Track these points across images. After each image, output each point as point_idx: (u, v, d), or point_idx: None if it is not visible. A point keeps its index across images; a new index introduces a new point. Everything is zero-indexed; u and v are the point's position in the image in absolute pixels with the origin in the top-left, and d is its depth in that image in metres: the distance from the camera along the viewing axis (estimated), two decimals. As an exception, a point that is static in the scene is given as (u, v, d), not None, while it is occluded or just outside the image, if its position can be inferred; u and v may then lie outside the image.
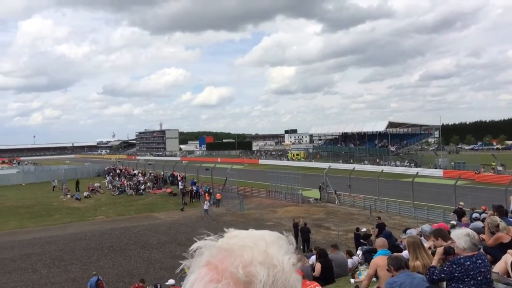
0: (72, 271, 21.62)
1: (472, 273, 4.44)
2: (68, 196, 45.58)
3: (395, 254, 4.82)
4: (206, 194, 38.69)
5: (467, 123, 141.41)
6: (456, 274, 4.51)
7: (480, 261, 4.59)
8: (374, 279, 7.32)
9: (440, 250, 4.97)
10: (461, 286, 4.46)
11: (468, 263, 4.49)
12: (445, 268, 4.67)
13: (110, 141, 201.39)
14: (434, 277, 4.71)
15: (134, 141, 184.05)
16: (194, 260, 0.80)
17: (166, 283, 13.26)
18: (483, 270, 4.53)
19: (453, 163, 57.23)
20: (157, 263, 22.43)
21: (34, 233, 30.65)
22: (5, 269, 21.94)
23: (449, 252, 4.79)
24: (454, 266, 4.54)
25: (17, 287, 19.34)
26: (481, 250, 6.67)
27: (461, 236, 4.65)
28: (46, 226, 33.29)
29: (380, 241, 7.30)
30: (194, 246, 0.83)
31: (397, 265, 4.81)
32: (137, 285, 15.00)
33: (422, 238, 7.91)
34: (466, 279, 4.45)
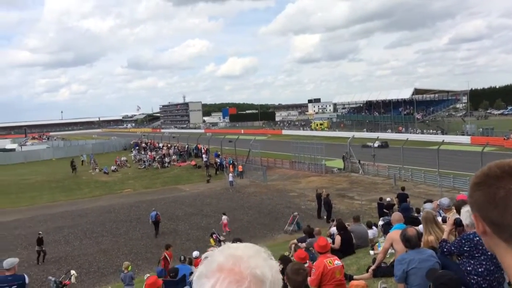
0: (103, 242, 22.46)
1: (481, 247, 4.41)
2: (97, 170, 46.84)
3: (406, 233, 4.81)
4: (230, 166, 39.10)
5: (497, 87, 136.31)
6: (465, 249, 4.50)
7: None
8: (392, 251, 7.39)
9: (450, 221, 4.96)
10: (472, 262, 4.45)
11: (478, 238, 4.45)
12: (455, 243, 4.67)
13: (135, 115, 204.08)
14: (445, 250, 4.73)
15: (158, 114, 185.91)
16: (206, 266, 0.96)
17: (193, 256, 13.58)
18: None
19: (481, 129, 55.76)
20: (183, 234, 23.06)
21: (66, 206, 31.84)
22: (40, 241, 22.92)
23: (459, 224, 4.77)
24: (463, 241, 4.53)
25: (52, 258, 20.24)
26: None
27: (464, 212, 4.61)
28: (77, 199, 34.50)
29: (396, 215, 7.32)
30: (203, 255, 1.02)
31: (407, 244, 4.83)
32: (165, 253, 15.28)
33: (441, 211, 7.88)
34: (476, 255, 4.43)
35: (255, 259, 0.95)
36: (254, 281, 0.91)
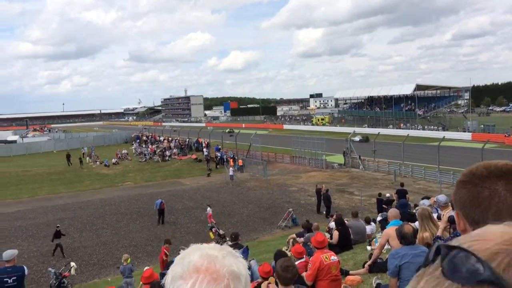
0: (103, 235, 22.57)
1: None
2: (97, 162, 46.95)
3: (402, 229, 4.84)
4: (231, 160, 39.15)
5: (499, 84, 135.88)
6: None
7: None
8: (388, 246, 7.43)
9: (444, 218, 4.99)
10: None
11: None
12: (447, 240, 4.71)
13: (136, 108, 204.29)
14: None
15: (160, 108, 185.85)
16: (180, 268, 0.93)
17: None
18: None
19: (482, 125, 55.66)
20: (183, 227, 23.16)
21: (66, 198, 31.94)
22: (40, 233, 23.08)
23: (453, 221, 4.80)
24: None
25: (52, 250, 20.32)
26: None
27: None
28: (77, 191, 34.60)
29: (393, 212, 7.36)
30: (177, 257, 0.99)
31: (402, 241, 4.86)
32: (163, 248, 15.37)
33: (438, 207, 7.90)
34: None
35: (228, 258, 0.97)
36: (231, 277, 0.92)
